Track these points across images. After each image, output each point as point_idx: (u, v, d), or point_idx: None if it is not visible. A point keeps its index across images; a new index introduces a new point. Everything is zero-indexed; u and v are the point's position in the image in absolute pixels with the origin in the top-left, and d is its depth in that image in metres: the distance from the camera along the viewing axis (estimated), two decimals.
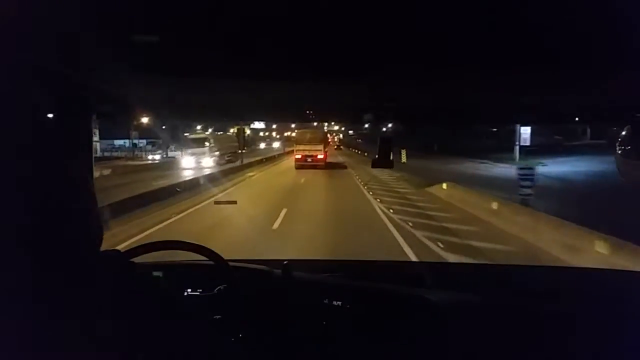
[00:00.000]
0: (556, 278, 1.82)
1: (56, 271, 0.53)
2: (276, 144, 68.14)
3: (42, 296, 0.50)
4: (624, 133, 1.16)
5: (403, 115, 1.98)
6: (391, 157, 1.82)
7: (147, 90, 1.39)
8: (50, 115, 0.80)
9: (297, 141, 23.93)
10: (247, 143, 67.06)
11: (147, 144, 41.61)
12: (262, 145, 68.06)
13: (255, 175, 19.90)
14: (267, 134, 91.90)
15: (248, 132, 74.04)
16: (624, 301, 1.37)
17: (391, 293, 1.36)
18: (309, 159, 22.16)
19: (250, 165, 22.91)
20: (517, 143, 24.22)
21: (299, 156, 22.65)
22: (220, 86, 1.35)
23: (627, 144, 1.16)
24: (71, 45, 0.95)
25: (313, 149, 22.69)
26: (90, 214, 0.59)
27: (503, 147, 28.06)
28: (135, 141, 38.30)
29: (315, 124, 23.40)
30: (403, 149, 23.65)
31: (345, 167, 23.98)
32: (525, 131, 23.67)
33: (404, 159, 23.94)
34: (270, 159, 31.78)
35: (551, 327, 1.18)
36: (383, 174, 17.71)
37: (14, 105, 0.57)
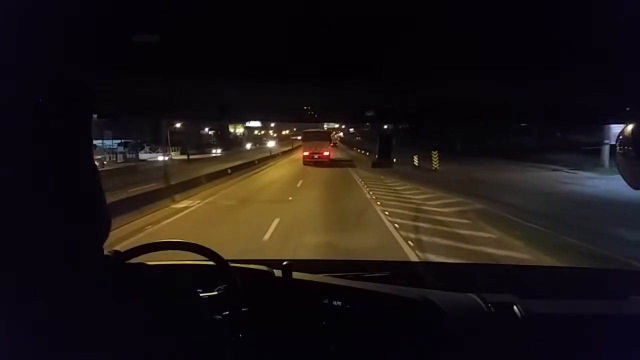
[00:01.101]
0: (557, 278, 1.96)
1: (56, 272, 0.59)
2: (271, 143, 66.72)
3: (42, 296, 0.56)
4: (625, 132, 1.26)
5: (411, 112, 2.11)
6: (391, 157, 2.03)
7: (147, 90, 1.59)
8: (50, 116, 0.83)
9: (304, 139, 30.35)
10: (231, 143, 65.19)
11: (119, 144, 40.96)
12: (248, 146, 64.40)
13: (170, 220, 10.02)
14: (262, 132, 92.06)
15: (242, 130, 73.51)
16: (624, 301, 1.49)
17: (392, 293, 1.47)
18: (316, 156, 27.86)
19: (185, 187, 13.78)
20: (606, 141, 18.41)
21: (307, 153, 28.37)
22: (219, 86, 1.53)
23: (629, 144, 1.25)
24: (71, 45, 1.06)
25: (319, 146, 28.48)
26: (93, 214, 0.66)
27: (549, 146, 24.93)
28: (108, 142, 37.47)
29: (314, 122, 26.09)
30: (434, 150, 20.60)
31: (353, 177, 19.24)
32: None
33: (435, 165, 20.64)
34: (247, 166, 24.35)
35: (551, 327, 1.29)
36: (424, 197, 11.93)
37: (14, 105, 0.63)
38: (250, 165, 25.60)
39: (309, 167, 24.83)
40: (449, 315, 1.33)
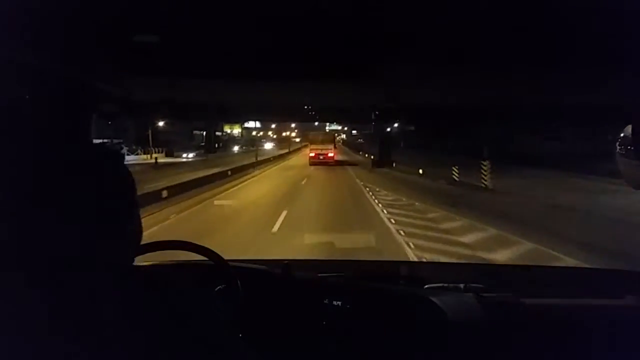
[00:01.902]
0: (557, 278, 2.06)
1: (55, 272, 0.62)
2: (268, 145, 65.86)
3: (41, 296, 0.59)
4: (624, 132, 1.37)
5: (419, 113, 2.24)
6: (391, 158, 2.18)
7: (147, 89, 1.75)
8: (50, 115, 0.90)
9: (311, 142, 34.11)
10: (225, 145, 61.61)
11: None
12: (236, 149, 59.78)
13: None
14: (261, 133, 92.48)
15: (238, 131, 72.52)
16: (623, 301, 1.58)
17: (391, 293, 1.56)
18: (321, 157, 31.27)
19: None
20: None
21: (313, 154, 31.90)
22: (219, 86, 1.70)
23: (628, 144, 1.36)
24: (71, 45, 1.09)
25: (325, 148, 32.18)
26: (95, 214, 0.68)
27: (599, 153, 22.43)
28: None
29: (316, 123, 27.26)
30: (484, 161, 15.68)
31: (370, 202, 13.03)
32: None
33: (486, 181, 15.37)
34: (212, 179, 17.81)
35: (551, 327, 1.37)
36: None
37: (15, 105, 0.68)
38: (219, 178, 18.71)
39: (303, 181, 19.35)
40: (449, 315, 1.41)
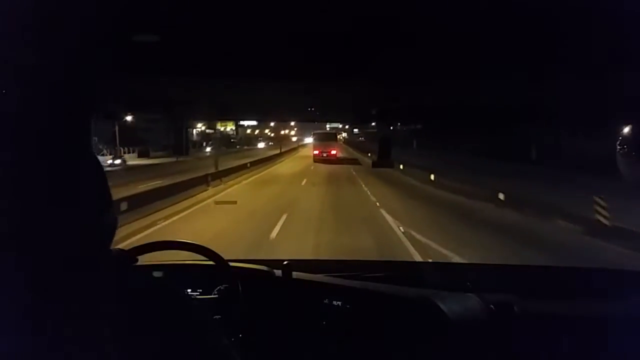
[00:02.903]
0: (558, 278, 2.10)
1: (56, 271, 0.64)
2: (262, 145, 65.72)
3: (42, 295, 0.61)
4: (625, 132, 1.44)
5: (428, 113, 2.28)
6: (391, 157, 2.23)
7: (148, 89, 1.81)
8: (50, 116, 0.83)
9: (315, 140, 38.62)
10: (204, 145, 57.31)
11: None
12: (208, 150, 52.90)
13: None
14: (257, 131, 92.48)
15: (232, 128, 72.13)
16: (624, 301, 1.62)
17: (392, 293, 1.60)
18: (325, 154, 34.88)
19: None
20: None
21: (317, 152, 35.74)
22: (220, 85, 1.76)
23: (628, 144, 1.44)
24: (72, 45, 1.11)
25: (328, 146, 36.16)
26: (95, 215, 0.71)
27: None
28: None
29: (315, 122, 27.59)
30: None
31: None
32: None
33: None
34: None
35: (551, 327, 1.41)
36: None
37: (15, 105, 0.66)
38: None
39: (282, 220, 9.77)
40: (449, 315, 1.45)
